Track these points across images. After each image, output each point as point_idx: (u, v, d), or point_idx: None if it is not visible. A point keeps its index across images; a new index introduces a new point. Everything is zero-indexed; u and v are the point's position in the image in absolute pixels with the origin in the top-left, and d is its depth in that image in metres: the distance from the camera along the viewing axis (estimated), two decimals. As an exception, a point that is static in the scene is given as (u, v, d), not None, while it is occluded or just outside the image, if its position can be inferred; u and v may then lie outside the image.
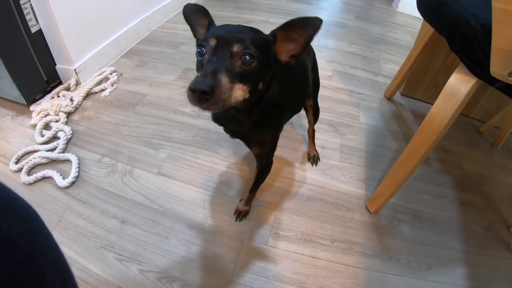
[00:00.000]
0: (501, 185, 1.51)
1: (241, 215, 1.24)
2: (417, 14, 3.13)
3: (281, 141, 1.49)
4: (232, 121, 0.89)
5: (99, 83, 1.87)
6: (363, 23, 3.00)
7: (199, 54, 0.69)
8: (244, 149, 1.48)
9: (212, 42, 0.67)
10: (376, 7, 3.50)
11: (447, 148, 1.65)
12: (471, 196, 1.43)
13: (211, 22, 0.79)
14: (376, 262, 1.14)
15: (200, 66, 0.69)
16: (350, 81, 2.08)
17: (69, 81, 1.80)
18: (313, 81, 1.25)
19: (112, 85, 1.86)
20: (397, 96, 2.00)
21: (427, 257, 1.18)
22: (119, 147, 1.48)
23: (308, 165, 1.47)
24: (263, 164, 1.11)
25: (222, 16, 2.90)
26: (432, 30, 1.50)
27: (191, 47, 2.31)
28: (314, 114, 1.39)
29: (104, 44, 2.01)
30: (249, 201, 1.23)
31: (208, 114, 1.64)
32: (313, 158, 1.49)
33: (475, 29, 0.84)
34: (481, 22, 0.83)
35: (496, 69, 0.78)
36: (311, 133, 1.49)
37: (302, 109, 1.31)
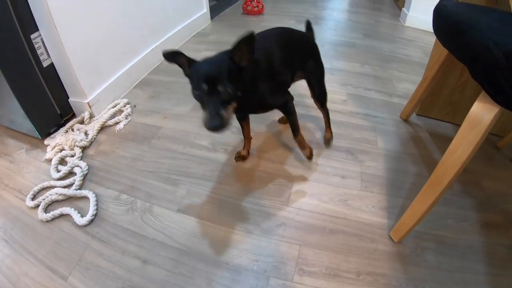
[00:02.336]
0: None
1: (310, 156, 1.54)
2: (426, 28, 3.27)
3: (297, 172, 1.50)
4: (237, 112, 1.15)
5: (113, 115, 1.88)
6: (373, 41, 3.00)
7: (197, 96, 0.99)
8: (265, 185, 1.49)
9: (204, 86, 0.94)
10: (384, 22, 3.50)
11: (466, 168, 1.54)
12: (492, 216, 1.40)
13: (191, 61, 1.05)
14: (402, 294, 1.12)
15: (200, 100, 0.99)
16: (365, 104, 2.07)
17: (82, 114, 1.82)
18: (313, 66, 1.49)
19: (126, 118, 1.87)
20: (413, 117, 1.97)
21: (452, 283, 1.15)
22: (137, 183, 1.48)
23: (328, 196, 1.44)
24: (284, 108, 1.35)
25: (232, 41, 2.87)
26: (445, 52, 1.49)
27: None
28: (317, 95, 1.56)
29: (116, 76, 2.03)
30: (302, 143, 1.48)
31: (227, 147, 1.65)
32: (327, 141, 1.69)
33: (497, 57, 0.82)
34: (502, 49, 0.81)
35: None
36: (325, 117, 1.68)
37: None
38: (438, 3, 1.30)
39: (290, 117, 1.37)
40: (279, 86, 1.33)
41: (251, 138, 1.61)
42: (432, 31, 1.35)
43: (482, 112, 0.94)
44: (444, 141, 1.79)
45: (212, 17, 3.48)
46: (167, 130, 1.79)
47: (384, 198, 1.44)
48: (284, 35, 1.40)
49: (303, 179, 1.52)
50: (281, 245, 1.25)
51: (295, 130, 1.40)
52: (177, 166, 1.56)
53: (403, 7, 3.74)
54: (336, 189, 1.48)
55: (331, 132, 1.71)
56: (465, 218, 1.38)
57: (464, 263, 1.21)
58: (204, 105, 0.97)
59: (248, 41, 0.98)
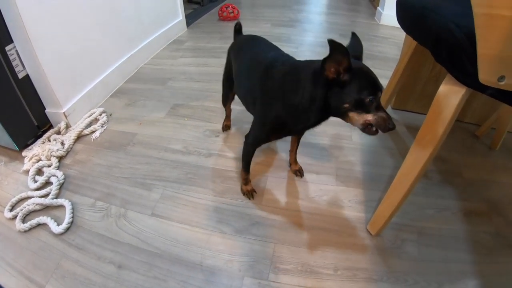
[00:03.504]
0: (504, 187, 1.49)
1: (300, 172, 1.52)
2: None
3: (269, 171, 1.50)
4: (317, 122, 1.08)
5: (89, 125, 1.86)
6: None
7: (369, 102, 0.91)
8: (238, 185, 1.47)
9: (378, 94, 0.92)
10: (360, 22, 3.53)
11: (445, 158, 1.62)
12: (475, 204, 1.40)
13: (348, 65, 0.89)
14: (383, 286, 1.10)
15: (366, 107, 0.92)
16: (340, 100, 2.04)
17: (59, 125, 1.79)
18: None
19: (102, 126, 1.85)
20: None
21: (436, 274, 1.13)
22: (112, 190, 1.46)
23: (303, 193, 1.43)
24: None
25: (209, 48, 2.93)
26: (414, 43, 1.49)
27: (178, 82, 2.34)
28: None
29: (92, 85, 2.01)
30: (296, 160, 1.53)
31: (201, 150, 1.63)
32: (298, 171, 1.54)
33: (459, 38, 0.82)
34: (464, 30, 0.81)
35: (485, 76, 0.76)
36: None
37: None
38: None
39: None
40: None
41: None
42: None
43: (449, 94, 0.92)
44: None
45: (188, 25, 3.48)
46: (142, 136, 1.78)
47: (361, 192, 1.43)
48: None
49: (277, 177, 1.51)
50: (256, 244, 1.22)
51: None
52: (152, 171, 1.55)
53: (378, 6, 3.79)
54: (311, 185, 1.46)
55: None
56: (446, 208, 1.37)
57: (447, 253, 1.20)
58: (374, 110, 0.93)
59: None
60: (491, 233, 1.27)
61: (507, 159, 1.66)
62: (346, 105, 0.92)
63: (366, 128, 0.94)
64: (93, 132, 1.81)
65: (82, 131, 1.79)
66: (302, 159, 1.59)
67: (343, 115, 0.95)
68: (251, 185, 1.44)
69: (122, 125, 1.88)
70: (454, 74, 0.90)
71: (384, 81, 2.17)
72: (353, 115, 0.93)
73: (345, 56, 0.86)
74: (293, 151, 1.51)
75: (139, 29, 2.56)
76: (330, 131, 1.80)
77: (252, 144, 1.28)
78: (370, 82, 0.91)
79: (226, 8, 3.65)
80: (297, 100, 1.01)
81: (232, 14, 3.64)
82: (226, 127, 1.81)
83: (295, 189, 1.45)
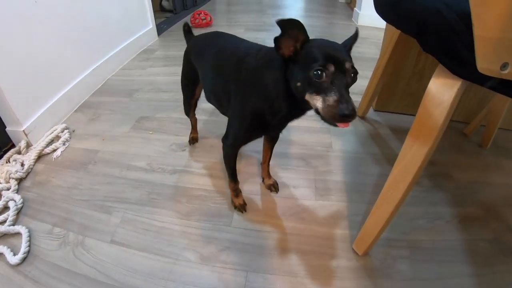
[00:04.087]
0: (497, 188, 1.41)
1: (275, 187, 1.39)
2: (378, 25, 3.27)
3: (241, 186, 1.35)
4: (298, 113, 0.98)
5: (51, 142, 1.74)
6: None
7: (316, 76, 0.76)
8: (204, 205, 1.34)
9: (331, 68, 0.76)
10: (337, 24, 3.49)
11: (434, 160, 1.51)
12: (469, 209, 1.31)
13: (306, 39, 0.81)
14: (375, 315, 0.96)
15: (316, 86, 0.77)
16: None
17: (19, 144, 1.68)
18: None
19: (64, 144, 1.73)
20: (371, 113, 1.87)
21: (433, 293, 1.01)
22: (71, 214, 1.32)
23: (279, 211, 1.30)
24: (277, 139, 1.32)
25: (180, 56, 2.73)
26: (397, 34, 1.38)
27: (145, 93, 2.23)
28: None
29: (54, 100, 1.88)
30: (269, 173, 1.41)
31: (166, 166, 1.49)
32: (273, 186, 1.40)
33: (450, 20, 0.69)
34: (456, 9, 0.68)
35: (485, 63, 0.62)
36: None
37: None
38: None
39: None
40: None
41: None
42: (381, 26, 1.23)
43: (442, 89, 0.79)
44: (406, 134, 1.67)
45: (160, 33, 3.40)
46: (104, 153, 1.65)
47: (344, 206, 1.31)
48: None
49: (248, 193, 1.38)
50: (225, 272, 1.07)
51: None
52: (113, 192, 1.42)
53: (355, 7, 3.79)
54: (286, 201, 1.33)
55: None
56: (439, 216, 1.27)
57: (443, 268, 1.09)
58: (325, 90, 0.75)
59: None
60: (489, 239, 1.18)
61: (499, 157, 1.58)
62: (298, 84, 0.81)
63: (318, 115, 0.79)
64: (54, 150, 1.70)
65: (43, 150, 1.67)
66: (276, 172, 1.48)
67: (303, 100, 0.82)
68: (242, 197, 1.32)
69: (85, 141, 1.75)
70: (446, 65, 0.76)
71: (363, 83, 2.08)
72: (308, 98, 0.80)
73: (300, 29, 0.79)
74: (266, 163, 1.38)
75: (105, 39, 2.45)
76: (308, 139, 1.68)
77: (231, 145, 1.15)
78: (321, 53, 0.77)
79: (198, 15, 3.57)
80: (267, 85, 0.93)
81: (204, 21, 3.57)
82: (193, 140, 1.70)
83: (269, 206, 1.32)
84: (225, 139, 1.16)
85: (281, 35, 0.79)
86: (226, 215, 1.28)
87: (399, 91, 1.80)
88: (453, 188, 1.39)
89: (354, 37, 0.92)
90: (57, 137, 1.78)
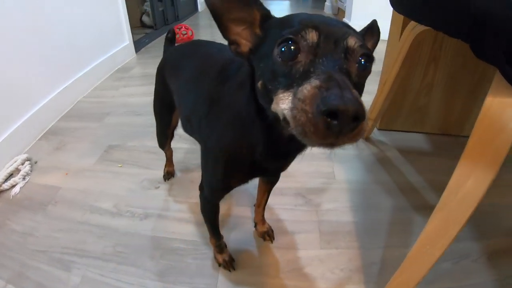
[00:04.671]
0: None
1: (270, 235, 1.16)
2: None
3: (226, 235, 1.15)
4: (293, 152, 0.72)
5: (9, 177, 1.56)
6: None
7: (282, 55, 0.47)
8: (183, 260, 1.11)
9: (312, 35, 0.46)
10: None
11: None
12: (497, 240, 1.16)
13: (265, 14, 0.56)
14: None
15: (285, 76, 0.47)
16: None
17: None
18: None
19: (24, 179, 1.55)
20: (375, 133, 1.71)
21: None
22: (25, 268, 1.13)
23: (276, 267, 1.08)
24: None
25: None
26: (407, 44, 1.20)
27: (117, 117, 2.05)
28: None
29: (15, 127, 1.72)
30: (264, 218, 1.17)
31: (136, 209, 1.28)
32: (267, 234, 1.18)
33: None
34: None
35: None
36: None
37: None
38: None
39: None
40: None
41: None
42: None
43: (504, 110, 0.59)
44: (418, 156, 1.58)
45: (137, 50, 3.26)
46: (66, 191, 1.46)
47: (356, 254, 1.10)
48: None
49: (238, 243, 1.17)
50: None
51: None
52: (73, 241, 1.21)
53: (344, 17, 3.79)
54: (285, 253, 1.12)
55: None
56: (465, 254, 1.10)
57: None
58: (301, 78, 0.45)
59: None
60: None
61: None
62: (259, 84, 0.53)
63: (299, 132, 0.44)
64: (13, 186, 1.52)
65: (0, 185, 1.51)
66: (271, 215, 1.27)
67: (277, 119, 0.50)
68: (228, 252, 1.08)
69: (47, 176, 1.57)
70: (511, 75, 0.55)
71: (364, 98, 1.91)
72: (275, 106, 0.49)
73: (246, 3, 0.55)
74: (260, 206, 1.15)
75: (75, 56, 2.28)
76: (305, 168, 1.51)
77: (209, 197, 0.90)
78: (293, 19, 0.51)
79: (179, 29, 3.43)
80: (237, 108, 0.67)
81: (185, 35, 3.42)
82: (168, 175, 1.49)
83: (264, 260, 1.11)
84: (201, 189, 0.92)
85: (219, 23, 0.54)
86: (209, 275, 1.05)
87: (406, 107, 1.65)
88: (475, 217, 1.20)
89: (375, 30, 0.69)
90: (17, 170, 1.60)
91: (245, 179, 0.83)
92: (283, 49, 0.46)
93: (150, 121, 1.88)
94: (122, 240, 1.19)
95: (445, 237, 0.69)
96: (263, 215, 1.17)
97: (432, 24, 0.84)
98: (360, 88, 0.51)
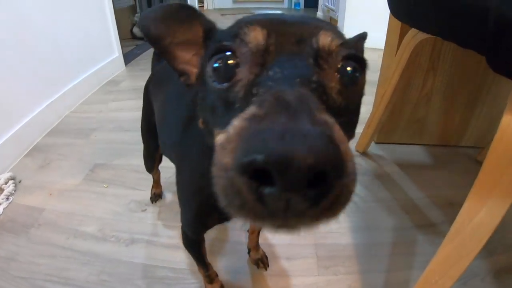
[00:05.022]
0: None
1: (264, 262, 1.08)
2: (368, 44, 3.17)
3: (217, 261, 1.11)
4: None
5: None
6: None
7: (216, 74, 0.34)
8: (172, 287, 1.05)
9: (255, 35, 0.33)
10: None
11: (451, 200, 1.34)
12: (502, 256, 1.12)
13: (209, 29, 0.44)
14: None
15: (221, 105, 0.35)
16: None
17: None
18: None
19: (7, 199, 1.49)
20: (372, 147, 1.66)
21: None
22: None
23: None
24: None
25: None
26: (407, 54, 1.16)
27: (104, 133, 1.99)
28: None
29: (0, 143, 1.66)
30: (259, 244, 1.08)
31: (121, 234, 1.22)
32: (261, 261, 1.10)
33: None
34: None
35: None
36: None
37: None
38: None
39: None
40: None
41: None
42: (371, 46, 0.99)
43: None
44: (418, 170, 1.54)
45: (127, 62, 3.20)
46: (50, 213, 1.40)
47: (357, 279, 1.04)
48: None
49: (231, 271, 1.10)
50: None
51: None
52: (56, 268, 1.15)
53: (336, 25, 3.61)
54: (280, 281, 1.05)
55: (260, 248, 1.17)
56: (472, 273, 1.05)
57: None
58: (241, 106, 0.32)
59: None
60: None
61: None
62: (200, 123, 0.43)
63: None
64: None
65: None
66: (264, 239, 1.20)
67: None
68: (220, 282, 0.99)
69: (31, 196, 1.51)
70: None
71: (363, 109, 1.88)
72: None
73: (188, 21, 0.43)
74: (254, 233, 1.07)
75: (62, 70, 2.23)
76: None
77: (188, 233, 0.81)
78: (231, 26, 0.39)
79: None
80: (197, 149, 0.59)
81: None
82: (155, 197, 1.41)
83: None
84: (182, 223, 0.81)
85: (162, 51, 0.44)
86: None
87: (404, 119, 1.62)
88: None
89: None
90: (1, 190, 1.53)
91: (223, 219, 0.71)
92: (215, 65, 0.35)
93: (137, 137, 1.81)
94: (107, 267, 1.13)
95: (456, 267, 0.64)
96: (257, 241, 1.10)
97: (441, 34, 0.78)
98: (347, 114, 0.36)
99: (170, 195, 1.46)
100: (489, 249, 1.11)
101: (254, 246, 1.09)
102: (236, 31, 0.35)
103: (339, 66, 0.35)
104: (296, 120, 0.23)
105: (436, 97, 1.54)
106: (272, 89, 0.28)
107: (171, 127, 0.78)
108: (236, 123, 0.27)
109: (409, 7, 0.87)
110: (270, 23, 0.35)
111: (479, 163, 1.46)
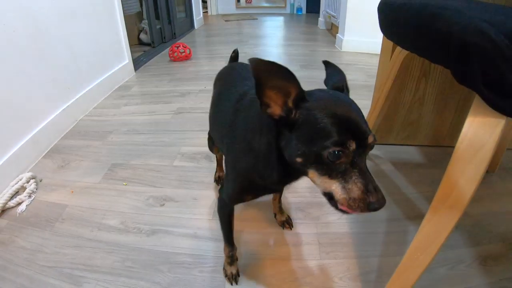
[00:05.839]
0: None
1: (289, 223, 1.30)
2: (364, 49, 3.26)
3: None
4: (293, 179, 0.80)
5: (16, 194, 1.57)
6: (310, 71, 2.92)
7: (332, 157, 0.58)
8: (190, 274, 1.15)
9: (352, 146, 0.58)
10: (320, 51, 3.48)
11: None
12: (489, 246, 1.21)
13: (300, 92, 0.61)
14: None
15: (330, 168, 0.60)
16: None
17: None
18: None
19: (29, 196, 1.56)
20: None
21: None
22: (35, 283, 1.13)
23: (279, 277, 1.12)
24: None
25: (157, 92, 2.75)
26: (399, 62, 1.25)
27: (119, 136, 2.07)
28: None
29: (19, 146, 1.72)
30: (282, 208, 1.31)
31: (142, 226, 1.33)
32: (286, 222, 1.31)
33: (498, 42, 0.54)
34: (503, 29, 0.54)
35: None
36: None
37: None
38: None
39: None
40: None
41: None
42: (371, 51, 1.09)
43: (482, 131, 0.64)
44: (412, 168, 1.63)
45: (137, 68, 3.28)
46: (73, 208, 1.47)
47: (354, 262, 1.14)
48: None
49: (242, 256, 1.19)
50: None
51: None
52: (82, 257, 1.22)
53: (338, 33, 3.81)
54: (287, 264, 1.15)
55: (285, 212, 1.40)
56: (459, 260, 1.15)
57: None
58: (343, 174, 0.59)
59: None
60: None
61: (508, 180, 1.53)
62: (299, 160, 0.62)
63: (330, 201, 0.63)
64: (19, 204, 1.53)
65: (6, 203, 1.50)
66: (273, 229, 1.31)
67: (303, 172, 0.65)
68: (237, 267, 1.12)
69: (52, 194, 1.58)
70: (489, 99, 0.61)
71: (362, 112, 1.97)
72: (313, 175, 0.63)
73: (286, 79, 0.59)
74: (276, 199, 1.28)
75: (76, 76, 2.30)
76: (303, 183, 1.49)
77: (226, 200, 0.97)
78: (334, 122, 0.58)
79: (177, 47, 3.49)
80: (256, 145, 0.74)
81: (183, 54, 3.49)
82: (220, 179, 1.57)
83: (268, 272, 1.14)
84: (221, 190, 0.99)
85: (258, 86, 0.59)
86: (217, 286, 1.09)
87: (399, 122, 1.70)
88: (469, 225, 1.28)
89: (341, 75, 0.79)
90: (23, 188, 1.60)
91: (254, 196, 0.94)
92: (331, 154, 0.57)
93: (151, 139, 1.94)
94: (131, 255, 1.21)
95: (434, 244, 0.74)
96: (280, 206, 1.30)
97: (417, 51, 0.90)
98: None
99: (184, 192, 1.53)
100: (476, 239, 1.21)
101: (278, 210, 1.29)
102: (344, 142, 0.57)
103: (371, 147, 0.62)
104: (378, 193, 0.57)
105: (428, 101, 1.61)
106: (361, 173, 0.59)
107: (221, 120, 0.97)
108: (359, 186, 0.57)
109: (393, 28, 1.00)
110: (355, 132, 0.58)
111: (470, 163, 1.58)
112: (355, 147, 0.57)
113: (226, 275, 1.10)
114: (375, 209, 0.57)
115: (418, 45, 0.88)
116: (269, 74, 0.58)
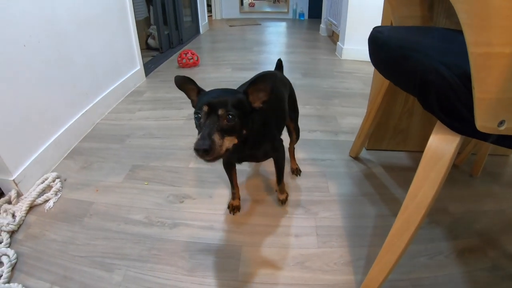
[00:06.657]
0: (492, 215, 1.46)
1: (298, 171, 1.74)
2: (363, 58, 3.38)
3: (244, 238, 1.36)
4: (236, 153, 1.07)
5: (42, 192, 1.67)
6: (312, 79, 2.98)
7: (197, 119, 0.95)
8: (208, 259, 1.31)
9: (205, 108, 0.92)
10: (321, 59, 3.52)
11: None
12: (466, 240, 1.33)
13: (199, 90, 1.05)
14: None
15: (199, 127, 0.94)
16: (311, 147, 1.99)
17: (9, 193, 1.61)
18: (292, 106, 1.56)
19: (56, 194, 1.67)
20: (363, 152, 1.90)
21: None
22: (69, 271, 1.26)
23: (283, 261, 1.28)
24: (275, 155, 1.37)
25: (168, 98, 2.84)
26: (387, 83, 1.41)
27: (137, 139, 2.20)
28: (296, 133, 1.66)
29: (43, 148, 1.83)
30: (283, 188, 1.52)
31: (165, 220, 1.47)
32: (296, 171, 1.73)
33: (450, 80, 0.72)
34: (455, 71, 0.71)
35: (483, 122, 0.67)
36: (292, 151, 1.74)
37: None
38: (372, 31, 1.23)
39: (281, 162, 1.42)
40: (280, 131, 1.39)
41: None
42: (369, 60, 1.27)
43: (442, 145, 0.82)
44: (400, 172, 1.77)
45: (147, 73, 3.37)
46: (99, 205, 1.60)
47: (346, 251, 1.30)
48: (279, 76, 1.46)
49: (252, 245, 1.36)
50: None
51: (281, 175, 1.45)
52: (111, 247, 1.36)
53: (338, 41, 3.85)
54: (290, 251, 1.32)
55: (297, 164, 1.78)
56: (438, 251, 1.28)
57: None
58: (199, 130, 0.93)
59: (267, 81, 0.98)
60: (487, 268, 1.20)
61: (489, 184, 1.64)
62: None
63: None
64: (46, 201, 1.63)
65: (34, 200, 1.61)
66: (278, 222, 1.46)
67: None
68: (238, 202, 1.53)
69: (78, 192, 1.70)
70: (446, 122, 0.80)
71: (353, 120, 2.22)
72: None
73: (192, 83, 1.05)
74: (293, 141, 1.70)
75: (93, 82, 2.42)
76: (305, 184, 1.68)
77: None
78: (200, 99, 1.00)
79: (185, 54, 3.57)
80: None
81: (191, 61, 3.57)
82: (235, 208, 1.54)
83: (273, 257, 1.30)
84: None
85: (182, 90, 1.08)
86: (231, 270, 1.25)
87: (390, 129, 1.84)
88: (449, 222, 1.41)
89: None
90: (49, 187, 1.72)
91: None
92: (195, 116, 0.96)
93: (167, 143, 2.07)
94: (156, 244, 1.36)
95: (407, 232, 0.92)
96: (293, 153, 1.75)
97: (393, 82, 1.13)
98: (238, 131, 0.95)
99: (200, 190, 1.67)
100: (455, 234, 1.35)
101: (292, 156, 1.75)
102: (199, 107, 0.93)
103: (226, 119, 0.92)
104: (203, 140, 0.86)
105: (417, 112, 1.76)
106: (205, 128, 0.90)
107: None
108: (200, 135, 0.88)
109: (377, 60, 1.20)
110: (208, 102, 0.92)
111: (456, 167, 1.70)
112: (207, 110, 0.92)
113: (228, 207, 1.52)
114: (194, 150, 0.85)
115: (393, 77, 1.10)
116: (184, 82, 1.04)
